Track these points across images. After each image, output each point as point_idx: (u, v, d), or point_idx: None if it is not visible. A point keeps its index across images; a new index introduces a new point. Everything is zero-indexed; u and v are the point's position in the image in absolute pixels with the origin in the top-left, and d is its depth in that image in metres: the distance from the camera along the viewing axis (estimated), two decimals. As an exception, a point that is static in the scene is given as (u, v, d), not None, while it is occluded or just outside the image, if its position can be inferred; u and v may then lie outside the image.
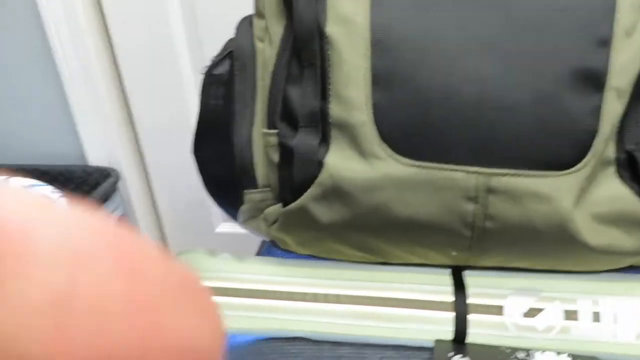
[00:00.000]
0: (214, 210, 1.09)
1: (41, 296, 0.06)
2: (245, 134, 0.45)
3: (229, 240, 1.14)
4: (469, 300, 0.42)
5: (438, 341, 0.41)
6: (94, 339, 0.06)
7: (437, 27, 0.38)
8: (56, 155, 1.05)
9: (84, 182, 0.98)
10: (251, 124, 0.45)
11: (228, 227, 1.13)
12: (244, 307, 0.44)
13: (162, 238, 1.17)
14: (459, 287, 0.43)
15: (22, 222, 0.06)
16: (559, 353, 0.40)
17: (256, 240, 0.55)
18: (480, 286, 0.43)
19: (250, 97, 0.45)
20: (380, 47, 0.39)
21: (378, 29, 0.39)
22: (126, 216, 1.05)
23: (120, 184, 1.04)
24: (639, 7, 0.38)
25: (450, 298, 0.42)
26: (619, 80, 0.38)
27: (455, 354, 0.40)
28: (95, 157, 1.04)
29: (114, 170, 1.02)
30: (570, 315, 0.41)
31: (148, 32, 0.93)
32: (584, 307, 0.42)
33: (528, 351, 0.40)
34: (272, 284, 0.44)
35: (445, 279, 0.44)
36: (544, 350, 0.40)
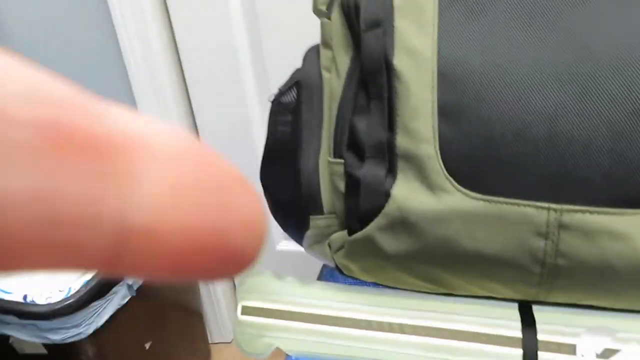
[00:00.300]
0: (275, 227, 1.11)
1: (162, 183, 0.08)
2: (311, 161, 0.46)
3: (290, 258, 1.16)
4: (539, 337, 0.41)
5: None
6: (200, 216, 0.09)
7: (507, 58, 0.38)
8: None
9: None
10: (317, 151, 0.46)
11: (289, 245, 1.14)
12: (309, 332, 0.45)
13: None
14: (528, 322, 0.42)
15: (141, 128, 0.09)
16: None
17: (316, 260, 0.56)
18: (551, 323, 0.42)
19: (316, 126, 0.46)
20: (448, 79, 0.39)
21: (445, 62, 0.39)
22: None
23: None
24: None
25: (519, 334, 0.41)
26: None
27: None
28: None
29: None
30: (649, 358, 0.39)
31: (216, 60, 0.97)
32: (665, 351, 0.39)
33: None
34: (337, 310, 0.45)
35: (513, 313, 0.43)
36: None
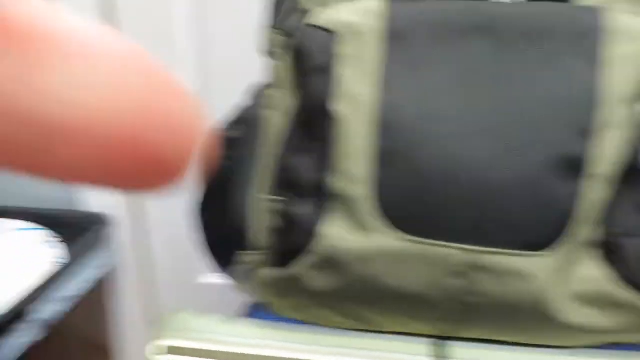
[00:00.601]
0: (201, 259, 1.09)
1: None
2: (244, 198, 0.47)
3: (216, 291, 1.13)
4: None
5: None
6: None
7: (441, 111, 0.41)
8: (46, 199, 1.05)
9: (74, 227, 0.98)
10: (251, 188, 0.47)
11: (215, 278, 1.12)
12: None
13: (154, 284, 1.16)
14: (441, 357, 0.44)
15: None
16: None
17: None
18: (462, 359, 0.44)
19: (254, 162, 0.47)
20: (385, 126, 0.41)
21: (384, 109, 0.41)
22: (116, 262, 1.04)
23: (112, 230, 1.04)
24: (627, 99, 0.40)
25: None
26: (603, 168, 0.40)
27: None
28: (87, 202, 1.04)
29: (105, 215, 1.01)
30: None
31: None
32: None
33: None
34: (261, 348, 0.45)
35: (427, 348, 0.44)
36: None
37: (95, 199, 1.04)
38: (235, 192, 0.48)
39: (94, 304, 0.97)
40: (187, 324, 0.47)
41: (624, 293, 0.42)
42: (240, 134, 0.48)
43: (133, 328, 1.07)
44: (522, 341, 0.45)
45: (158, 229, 1.12)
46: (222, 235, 0.49)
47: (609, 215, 0.42)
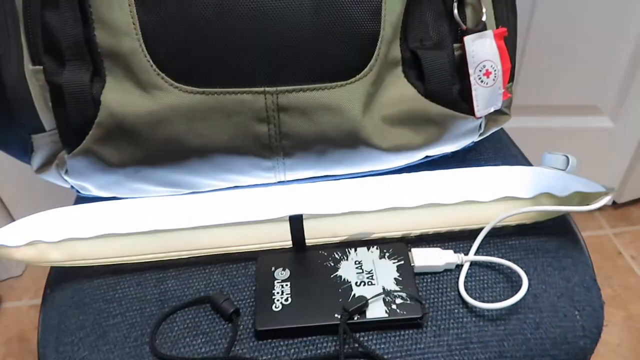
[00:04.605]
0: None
1: None
2: (15, 72, 0.38)
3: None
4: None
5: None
6: None
7: None
8: None
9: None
10: (21, 57, 0.38)
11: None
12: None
13: None
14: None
15: None
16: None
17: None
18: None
19: (12, 26, 0.37)
20: None
21: None
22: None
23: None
24: None
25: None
26: None
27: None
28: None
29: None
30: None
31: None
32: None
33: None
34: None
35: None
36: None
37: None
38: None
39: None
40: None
41: (431, 106, 0.41)
42: None
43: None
44: (344, 172, 0.44)
45: None
46: (3, 121, 0.40)
47: (403, 31, 0.40)
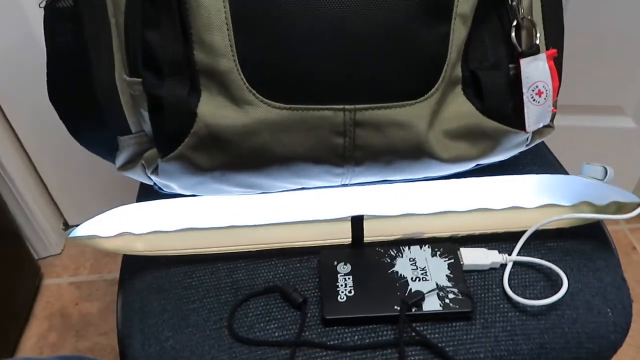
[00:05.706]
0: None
1: None
2: (106, 79, 0.42)
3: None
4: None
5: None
6: None
7: None
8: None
9: None
10: (111, 67, 0.42)
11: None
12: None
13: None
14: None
15: None
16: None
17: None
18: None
19: (105, 38, 0.42)
20: None
21: None
22: None
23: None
24: None
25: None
26: (462, 7, 0.42)
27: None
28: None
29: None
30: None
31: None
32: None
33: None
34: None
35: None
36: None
37: None
38: (91, 75, 0.42)
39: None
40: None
41: (488, 122, 0.46)
42: (74, 4, 0.42)
43: (40, 209, 1.07)
44: (402, 178, 0.48)
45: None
46: (92, 121, 0.45)
47: (465, 52, 0.44)
